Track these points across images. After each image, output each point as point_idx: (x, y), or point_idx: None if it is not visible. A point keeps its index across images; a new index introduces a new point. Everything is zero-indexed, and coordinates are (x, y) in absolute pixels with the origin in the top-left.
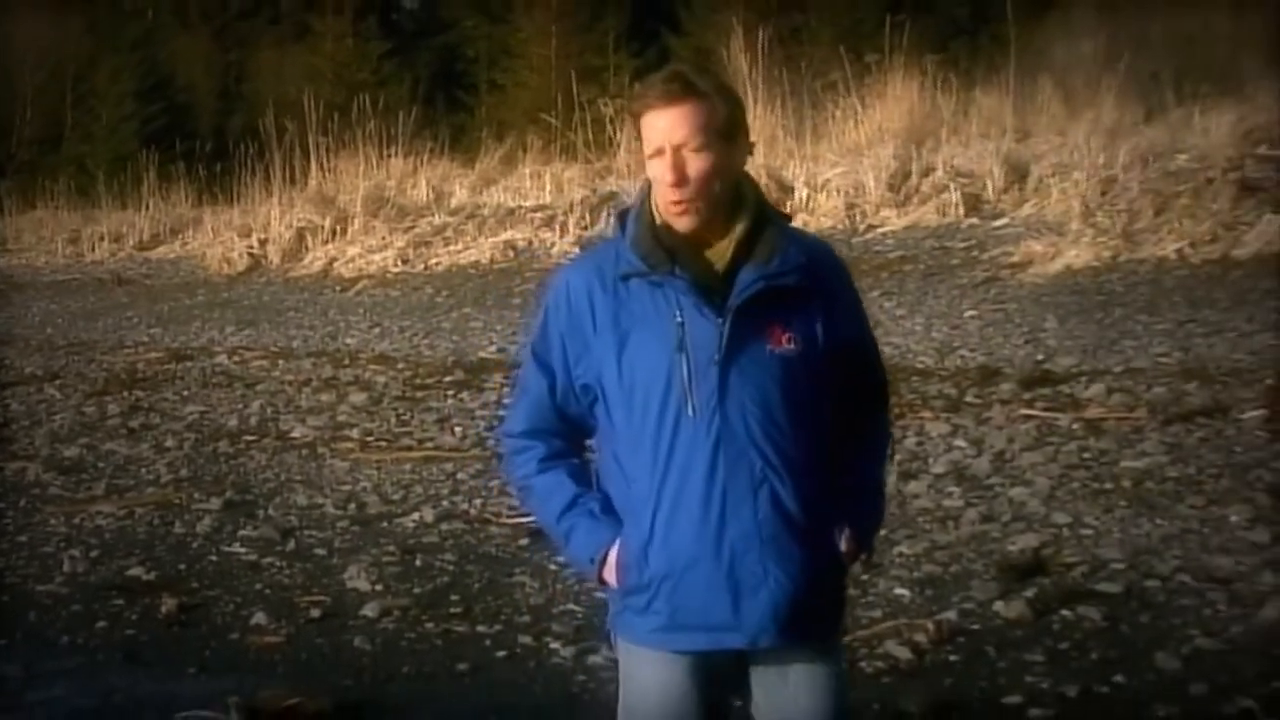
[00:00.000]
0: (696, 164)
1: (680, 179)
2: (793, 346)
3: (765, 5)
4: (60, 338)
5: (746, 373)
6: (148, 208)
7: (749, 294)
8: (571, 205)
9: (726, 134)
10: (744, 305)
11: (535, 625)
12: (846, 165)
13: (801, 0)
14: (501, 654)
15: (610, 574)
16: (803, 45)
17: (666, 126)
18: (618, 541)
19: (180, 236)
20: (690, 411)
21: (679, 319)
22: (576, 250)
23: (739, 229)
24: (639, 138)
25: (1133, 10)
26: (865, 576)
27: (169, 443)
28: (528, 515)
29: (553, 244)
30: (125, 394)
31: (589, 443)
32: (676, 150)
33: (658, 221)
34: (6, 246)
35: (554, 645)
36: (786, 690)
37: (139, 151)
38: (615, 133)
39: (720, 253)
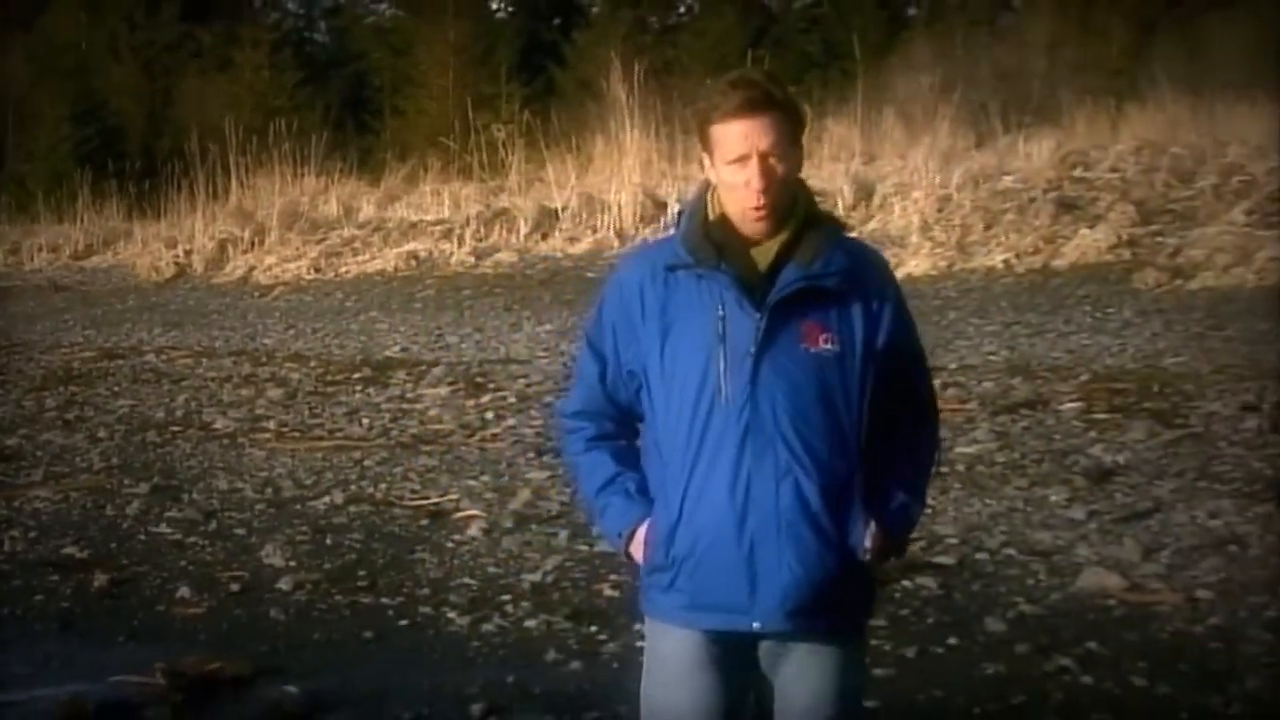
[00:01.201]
0: (780, 170)
1: (769, 184)
2: (830, 346)
3: (640, 41)
4: (2, 339)
5: (780, 367)
6: (82, 221)
7: (788, 291)
8: (468, 219)
9: (795, 142)
10: (783, 302)
11: (434, 597)
12: None
13: (673, 37)
14: (403, 623)
15: (637, 550)
16: (674, 77)
17: (753, 134)
18: (647, 520)
19: (112, 247)
20: (724, 400)
21: (721, 312)
22: (473, 260)
23: (787, 230)
24: (704, 141)
25: (964, 50)
26: None
27: (101, 433)
28: (428, 498)
29: (451, 254)
30: (62, 389)
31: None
32: (764, 157)
33: (711, 218)
34: None
35: (450, 615)
36: (798, 676)
37: (74, 170)
38: (507, 154)
39: (766, 251)
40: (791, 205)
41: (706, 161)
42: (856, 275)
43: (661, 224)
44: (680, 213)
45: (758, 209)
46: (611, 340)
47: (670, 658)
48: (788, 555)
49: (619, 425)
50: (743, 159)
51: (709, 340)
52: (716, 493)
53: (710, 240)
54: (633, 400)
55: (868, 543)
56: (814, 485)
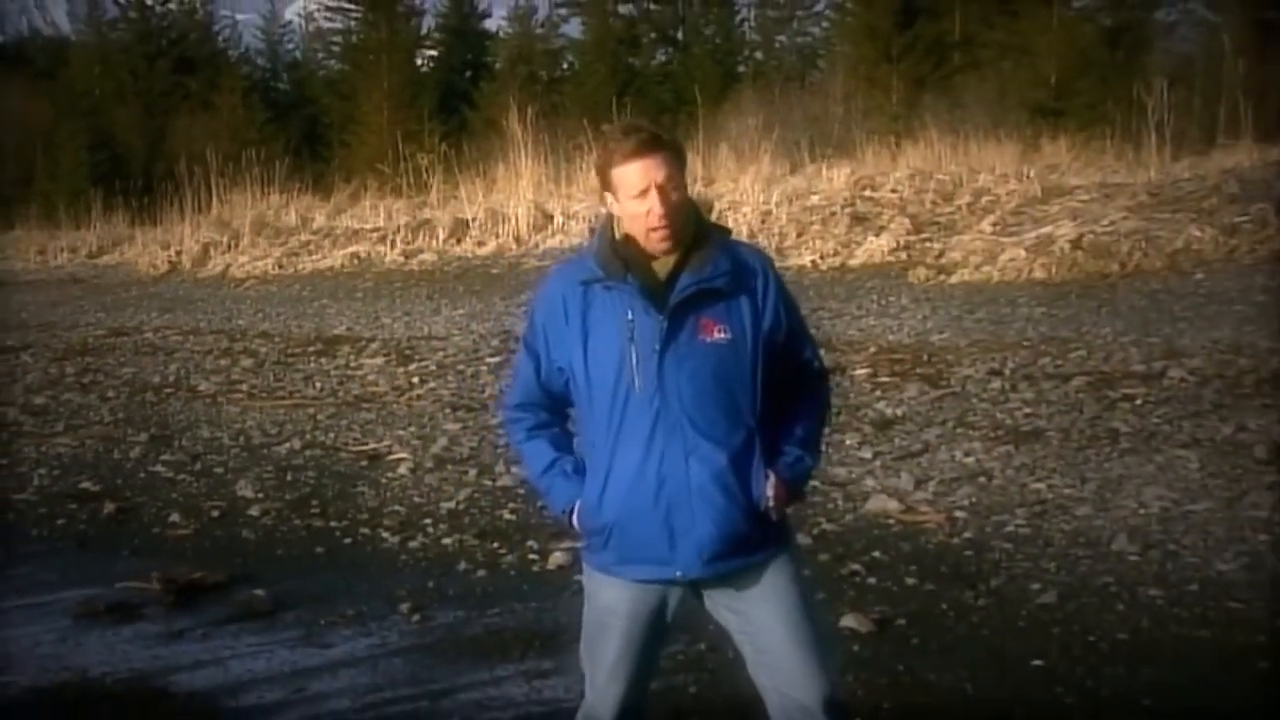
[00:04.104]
0: (675, 198)
1: (668, 210)
2: (723, 336)
3: (533, 90)
4: (32, 320)
5: (682, 359)
6: (95, 228)
7: (683, 295)
8: (398, 227)
9: (683, 175)
10: (681, 304)
11: (371, 521)
12: (589, 201)
13: (558, 87)
14: (347, 541)
15: (579, 521)
16: (560, 117)
17: (650, 170)
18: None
19: (119, 248)
20: (637, 391)
21: (630, 317)
22: (402, 259)
23: (683, 244)
24: (607, 184)
25: (780, 99)
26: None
27: (110, 394)
28: (367, 445)
29: (385, 255)
30: (79, 359)
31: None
32: (661, 189)
33: (617, 238)
34: None
35: (384, 535)
36: (751, 609)
37: (89, 188)
38: (429, 177)
39: (665, 263)
40: (686, 225)
41: (610, 199)
42: (740, 274)
43: (549, 231)
44: (592, 232)
45: (659, 230)
46: (544, 341)
47: (608, 603)
48: (700, 514)
49: (553, 414)
50: (644, 192)
51: (621, 342)
52: (635, 468)
53: (618, 257)
54: (563, 390)
55: (769, 492)
56: (716, 454)
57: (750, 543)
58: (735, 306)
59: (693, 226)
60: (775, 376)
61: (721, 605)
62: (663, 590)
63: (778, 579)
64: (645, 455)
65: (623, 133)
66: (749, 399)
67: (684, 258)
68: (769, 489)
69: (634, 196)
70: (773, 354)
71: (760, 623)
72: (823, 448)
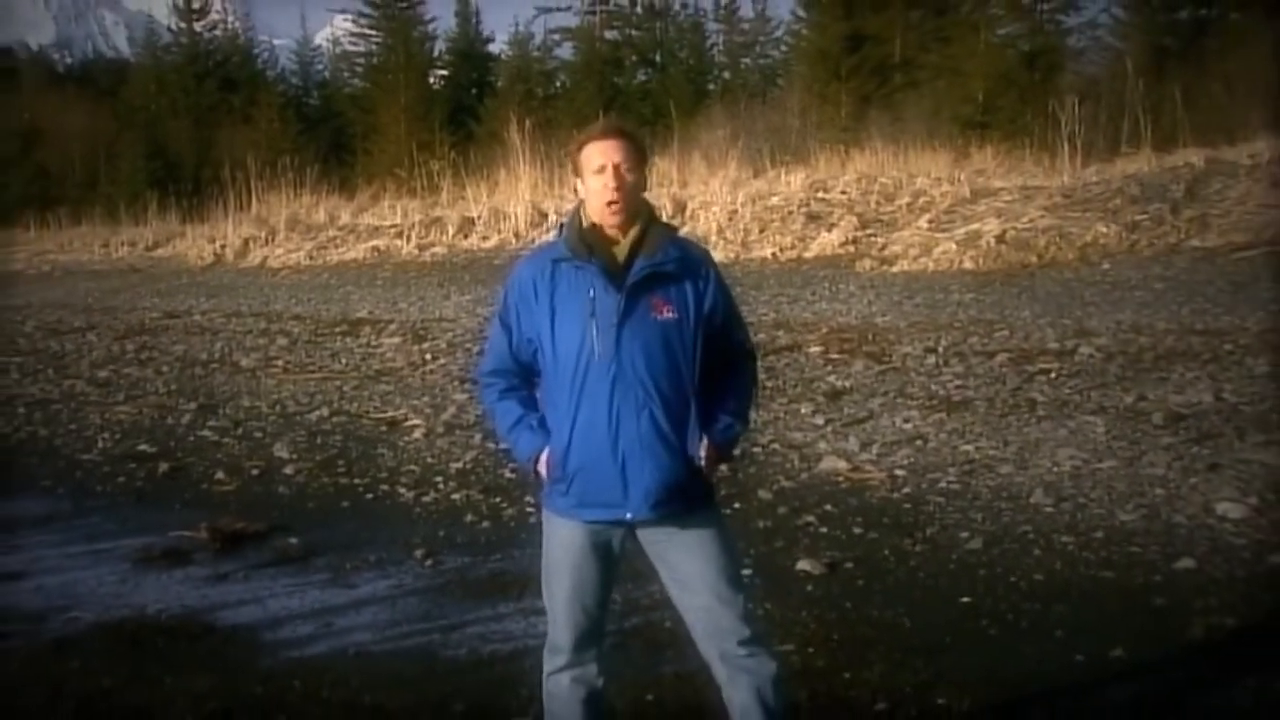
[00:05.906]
0: (629, 179)
1: (620, 186)
2: (671, 315)
3: (530, 105)
4: (96, 304)
5: (636, 332)
6: (151, 225)
7: (638, 277)
8: (413, 224)
9: (640, 165)
10: (636, 285)
11: (390, 479)
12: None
13: (552, 103)
14: (369, 496)
15: (543, 468)
16: (553, 130)
17: (609, 151)
18: (548, 448)
19: (171, 242)
20: (597, 358)
21: (592, 294)
22: (417, 252)
23: (635, 232)
24: (576, 166)
25: (745, 113)
26: None
27: (164, 368)
28: (386, 413)
29: (402, 248)
30: (137, 338)
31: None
32: (616, 168)
33: (584, 225)
34: (64, 249)
35: (401, 490)
36: (679, 552)
37: (146, 190)
38: (440, 180)
39: (623, 249)
40: (638, 213)
41: (578, 183)
42: (686, 262)
43: (545, 228)
44: (561, 224)
45: (612, 204)
46: (515, 316)
47: (564, 542)
48: (648, 465)
49: (522, 380)
50: (602, 169)
51: (584, 315)
52: (595, 424)
53: (584, 242)
54: (531, 360)
55: (702, 452)
56: (663, 414)
57: (686, 493)
58: (681, 290)
59: (646, 216)
60: (711, 354)
61: (654, 550)
62: (609, 531)
63: (703, 533)
64: (604, 413)
65: (595, 123)
66: (690, 370)
67: (639, 245)
68: (702, 449)
69: (594, 173)
70: (710, 334)
71: (685, 571)
72: (752, 416)
